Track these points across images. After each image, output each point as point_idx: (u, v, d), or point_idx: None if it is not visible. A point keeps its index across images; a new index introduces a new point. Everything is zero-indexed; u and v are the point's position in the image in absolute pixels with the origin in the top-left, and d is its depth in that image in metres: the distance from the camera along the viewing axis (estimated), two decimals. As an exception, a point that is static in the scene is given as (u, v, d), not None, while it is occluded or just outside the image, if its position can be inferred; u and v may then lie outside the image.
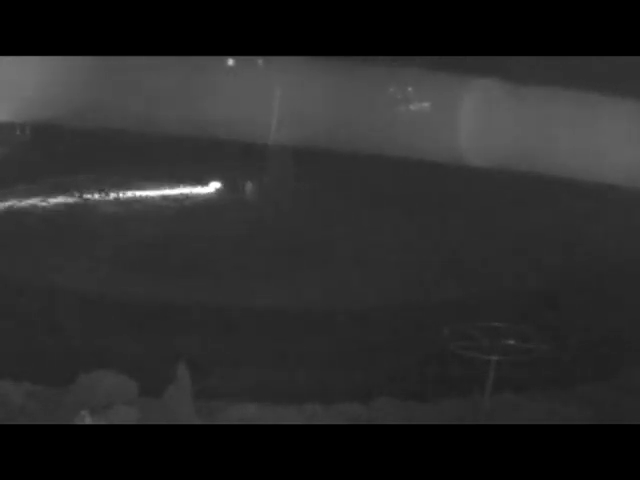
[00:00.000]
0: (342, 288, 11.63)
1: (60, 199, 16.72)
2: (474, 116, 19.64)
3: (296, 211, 16.21)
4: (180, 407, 7.44)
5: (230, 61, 23.45)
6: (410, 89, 23.59)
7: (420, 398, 8.30)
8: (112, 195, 17.06)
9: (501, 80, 17.81)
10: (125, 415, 7.39)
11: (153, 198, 16.80)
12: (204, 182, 18.77)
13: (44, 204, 16.24)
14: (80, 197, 14.02)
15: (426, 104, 23.26)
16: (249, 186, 17.68)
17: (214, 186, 18.49)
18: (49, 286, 10.93)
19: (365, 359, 9.26)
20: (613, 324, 10.16)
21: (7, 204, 16.02)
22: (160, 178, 18.90)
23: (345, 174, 19.73)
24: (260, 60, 21.54)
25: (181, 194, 17.37)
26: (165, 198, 16.76)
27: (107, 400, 7.53)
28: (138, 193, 17.32)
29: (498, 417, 7.82)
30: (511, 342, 8.08)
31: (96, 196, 16.94)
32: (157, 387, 7.61)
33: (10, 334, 9.33)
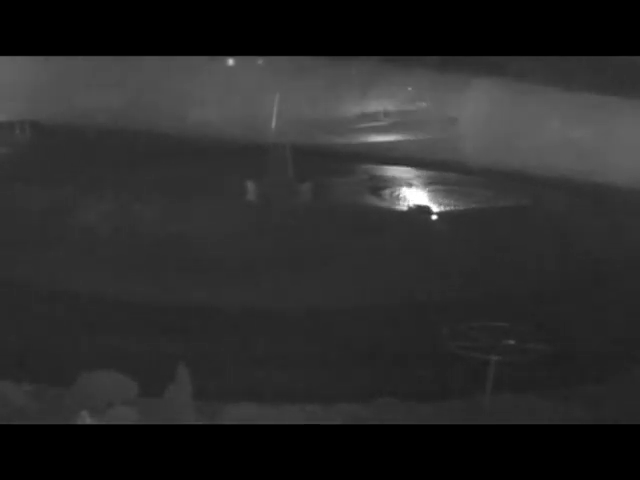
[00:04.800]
0: (342, 288, 11.63)
1: (60, 199, 16.71)
2: (474, 116, 19.65)
3: (296, 211, 16.22)
4: (180, 407, 7.44)
5: (230, 61, 23.46)
6: (410, 89, 23.61)
7: (420, 398, 8.29)
8: (113, 194, 17.05)
9: (501, 80, 17.82)
10: (125, 415, 7.38)
11: (153, 198, 16.79)
12: (204, 182, 18.77)
13: (44, 203, 16.23)
14: None
15: (426, 104, 23.28)
16: (249, 186, 17.67)
17: (214, 186, 18.47)
18: (49, 286, 10.93)
19: (365, 359, 9.26)
20: (613, 324, 10.16)
21: (7, 204, 16.01)
22: (160, 177, 18.90)
23: (345, 174, 19.75)
24: (260, 60, 21.56)
25: (181, 194, 17.36)
26: (165, 198, 16.75)
27: (107, 400, 7.52)
28: (138, 193, 17.30)
29: (498, 417, 7.82)
30: (511, 342, 8.08)
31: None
32: (157, 387, 7.61)
33: (10, 334, 9.33)
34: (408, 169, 19.42)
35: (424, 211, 16.56)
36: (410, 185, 18.61)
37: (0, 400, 7.79)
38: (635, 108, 15.62)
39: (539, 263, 12.92)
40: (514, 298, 10.83)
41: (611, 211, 15.34)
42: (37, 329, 9.68)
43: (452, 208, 16.50)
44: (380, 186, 18.81)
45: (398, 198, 17.70)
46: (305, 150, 18.69)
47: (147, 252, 13.07)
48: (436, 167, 18.16)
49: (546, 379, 8.69)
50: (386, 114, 22.38)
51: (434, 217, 16.18)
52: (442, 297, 11.03)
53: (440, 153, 17.22)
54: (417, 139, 19.76)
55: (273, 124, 18.16)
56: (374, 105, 22.96)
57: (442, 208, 16.53)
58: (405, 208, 16.86)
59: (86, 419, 6.90)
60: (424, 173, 18.88)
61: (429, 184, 18.48)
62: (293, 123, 19.94)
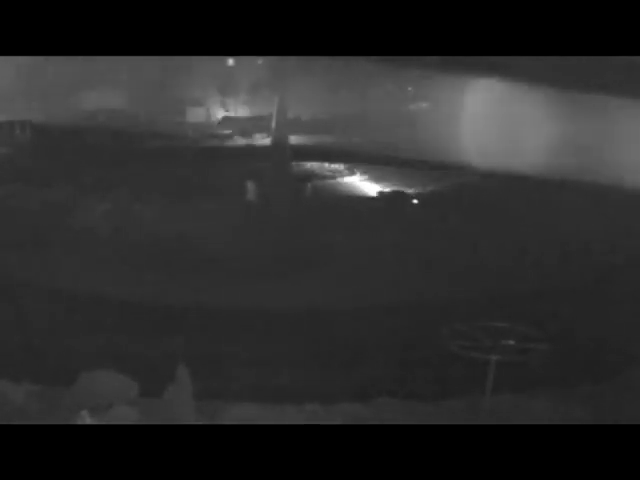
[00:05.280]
0: (342, 288, 11.64)
1: (60, 199, 16.73)
2: (474, 116, 19.65)
3: (296, 211, 16.23)
4: (180, 407, 7.44)
5: (230, 61, 23.49)
6: (410, 89, 23.64)
7: (420, 398, 8.30)
8: (113, 194, 17.06)
9: (501, 80, 17.82)
10: (125, 415, 7.39)
11: (153, 198, 16.80)
12: (204, 182, 18.78)
13: (44, 204, 16.24)
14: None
15: (426, 104, 23.31)
16: (249, 186, 17.70)
17: (214, 186, 18.49)
18: (49, 286, 10.94)
19: (365, 359, 9.26)
20: (613, 324, 10.16)
21: (7, 204, 16.02)
22: (160, 177, 18.91)
23: (345, 174, 19.75)
24: (260, 60, 21.58)
25: (181, 194, 17.37)
26: (165, 198, 16.77)
27: (107, 400, 7.53)
28: (138, 193, 17.32)
29: (498, 417, 7.82)
30: (511, 342, 8.07)
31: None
32: (157, 387, 7.61)
33: (10, 334, 9.34)
34: (408, 169, 19.43)
35: (424, 211, 16.59)
36: (410, 185, 18.63)
37: (0, 400, 7.79)
38: (635, 108, 15.63)
39: (539, 263, 12.94)
40: (514, 298, 10.83)
41: (611, 211, 15.35)
42: (37, 329, 9.68)
43: (452, 208, 16.51)
44: (380, 186, 18.84)
45: (398, 198, 17.71)
46: (305, 150, 18.73)
47: (147, 252, 13.09)
48: (436, 167, 18.17)
49: (546, 379, 8.69)
50: (386, 114, 22.40)
51: (434, 217, 16.18)
52: (442, 297, 11.03)
53: (440, 153, 17.23)
54: (417, 139, 19.79)
55: (273, 124, 18.16)
56: (374, 105, 22.99)
57: (442, 208, 16.54)
58: (405, 208, 16.88)
59: (86, 419, 6.91)
60: (424, 172, 18.90)
61: (429, 184, 18.51)
62: (293, 123, 19.98)
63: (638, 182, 14.07)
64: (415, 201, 16.95)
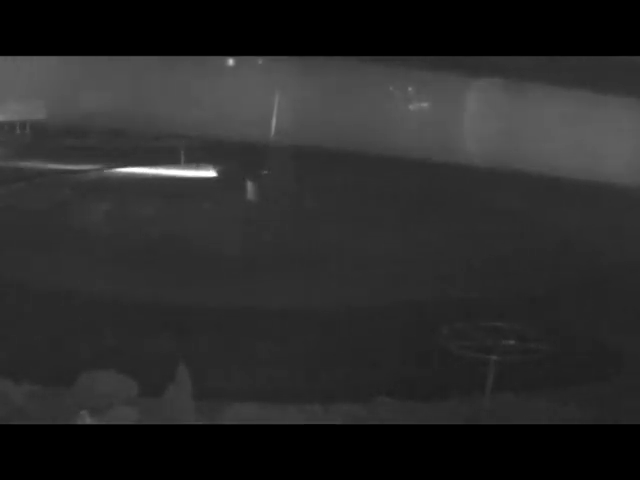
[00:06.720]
0: (342, 288, 11.63)
1: (60, 199, 16.74)
2: (474, 116, 19.65)
3: (296, 211, 16.23)
4: (180, 407, 7.44)
5: (230, 61, 23.48)
6: (410, 89, 23.63)
7: (420, 398, 8.29)
8: (112, 195, 17.07)
9: (501, 80, 17.81)
10: (125, 415, 7.39)
11: (153, 198, 16.81)
12: (204, 182, 18.79)
13: (44, 203, 16.24)
14: None
15: (426, 104, 23.30)
16: (249, 186, 17.69)
17: (214, 186, 18.50)
18: (49, 286, 10.93)
19: (365, 359, 9.26)
20: (613, 324, 10.16)
21: (7, 204, 16.03)
22: (160, 177, 18.93)
23: (345, 174, 19.75)
24: (260, 60, 21.56)
25: (181, 194, 17.38)
26: (164, 198, 16.77)
27: (107, 400, 7.53)
28: (138, 193, 17.33)
29: (498, 417, 7.82)
30: (511, 342, 8.07)
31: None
32: (157, 387, 7.61)
33: (10, 334, 9.33)
34: (407, 169, 19.41)
35: (423, 211, 16.57)
36: (410, 185, 18.62)
37: (0, 400, 7.78)
38: (635, 108, 15.62)
39: (539, 263, 12.93)
40: (514, 298, 10.83)
41: (611, 211, 15.34)
42: (37, 329, 9.68)
43: (451, 208, 16.51)
44: (380, 186, 18.83)
45: (398, 198, 17.70)
46: (305, 150, 18.71)
47: (147, 252, 13.08)
48: (435, 167, 18.15)
49: (546, 379, 8.68)
50: (386, 114, 22.38)
51: (434, 217, 16.18)
52: (442, 297, 11.03)
53: (439, 153, 17.22)
54: (416, 139, 19.77)
55: (273, 124, 18.17)
56: (374, 105, 22.97)
57: (442, 208, 16.53)
58: (404, 208, 16.86)
59: (86, 419, 6.91)
60: (424, 173, 18.88)
61: (429, 184, 18.49)
62: (293, 123, 19.96)
63: (637, 181, 14.07)
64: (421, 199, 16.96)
